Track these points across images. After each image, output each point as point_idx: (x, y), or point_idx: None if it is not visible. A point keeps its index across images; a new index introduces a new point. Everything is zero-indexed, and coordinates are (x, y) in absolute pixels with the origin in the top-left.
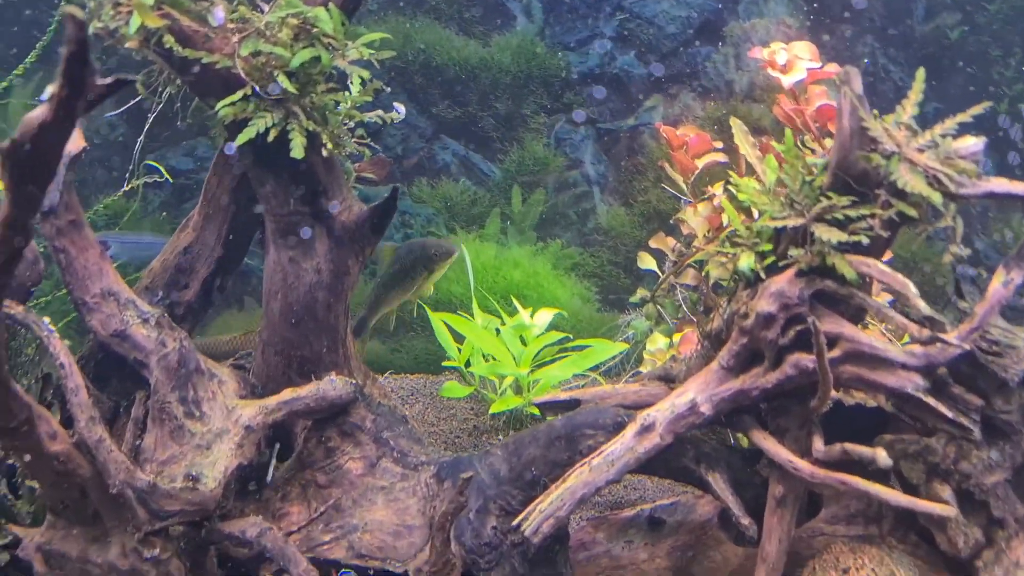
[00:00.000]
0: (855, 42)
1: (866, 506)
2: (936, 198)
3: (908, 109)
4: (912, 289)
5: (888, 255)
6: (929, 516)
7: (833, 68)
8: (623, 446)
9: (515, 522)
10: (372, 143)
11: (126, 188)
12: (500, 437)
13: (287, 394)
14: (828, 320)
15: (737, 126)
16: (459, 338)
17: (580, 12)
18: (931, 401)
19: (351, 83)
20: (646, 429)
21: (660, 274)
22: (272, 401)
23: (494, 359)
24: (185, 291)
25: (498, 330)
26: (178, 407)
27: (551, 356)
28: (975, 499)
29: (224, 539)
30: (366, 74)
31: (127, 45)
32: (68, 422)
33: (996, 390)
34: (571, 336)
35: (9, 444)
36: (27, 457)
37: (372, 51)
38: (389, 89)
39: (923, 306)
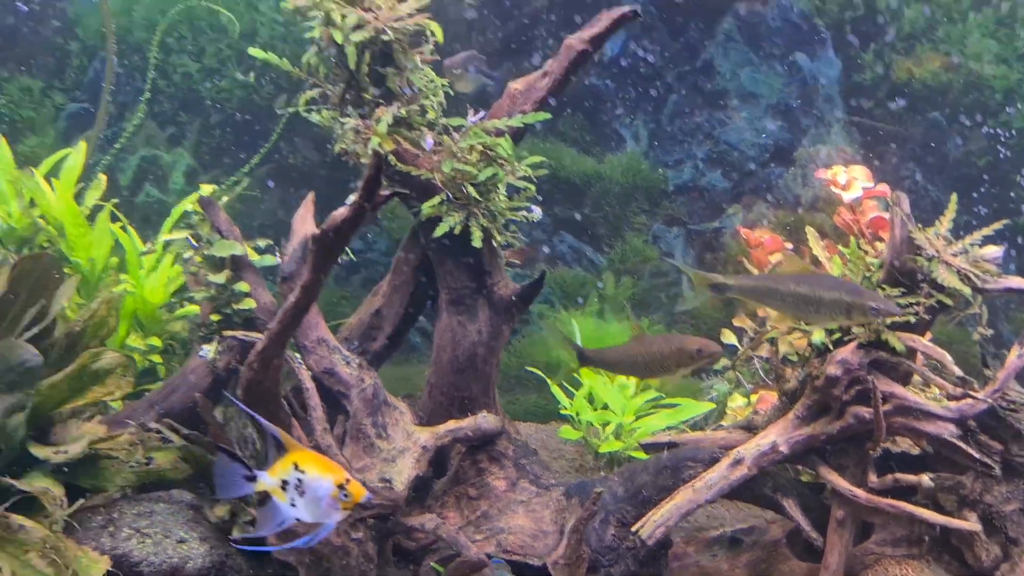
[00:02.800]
0: (900, 166)
1: (909, 531)
2: (966, 291)
3: (944, 223)
4: (948, 358)
5: (929, 335)
6: (960, 533)
7: (884, 188)
8: (719, 475)
9: (633, 529)
10: (520, 236)
11: None
12: (602, 474)
13: (452, 424)
14: (882, 381)
15: (810, 232)
16: (568, 394)
17: (677, 138)
18: (962, 445)
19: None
20: (737, 463)
21: (740, 347)
22: (441, 429)
23: (604, 408)
24: (373, 343)
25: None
26: (371, 429)
27: (647, 410)
28: (995, 524)
29: (405, 530)
30: (532, 188)
31: (361, 161)
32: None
33: (1013, 438)
34: (663, 395)
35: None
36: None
37: (531, 170)
38: (540, 198)
39: (957, 370)
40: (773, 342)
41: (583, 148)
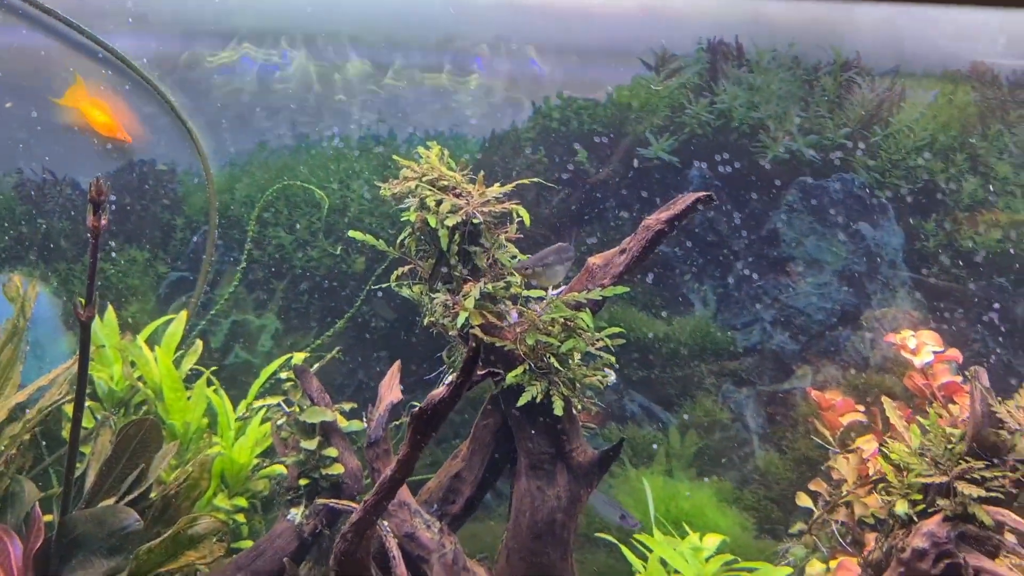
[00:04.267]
0: (968, 329)
1: None
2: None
3: None
4: None
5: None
6: None
7: (955, 352)
8: None
9: None
10: (597, 401)
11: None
12: None
13: None
14: (971, 556)
15: (887, 403)
16: (640, 555)
17: (745, 303)
18: None
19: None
20: None
21: (815, 511)
22: None
23: (675, 573)
24: (452, 506)
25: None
26: None
27: (722, 573)
28: None
29: None
30: (612, 358)
31: (449, 333)
32: None
33: None
34: (738, 559)
35: None
36: None
37: (610, 339)
38: (617, 367)
39: None
40: (849, 505)
41: (653, 312)
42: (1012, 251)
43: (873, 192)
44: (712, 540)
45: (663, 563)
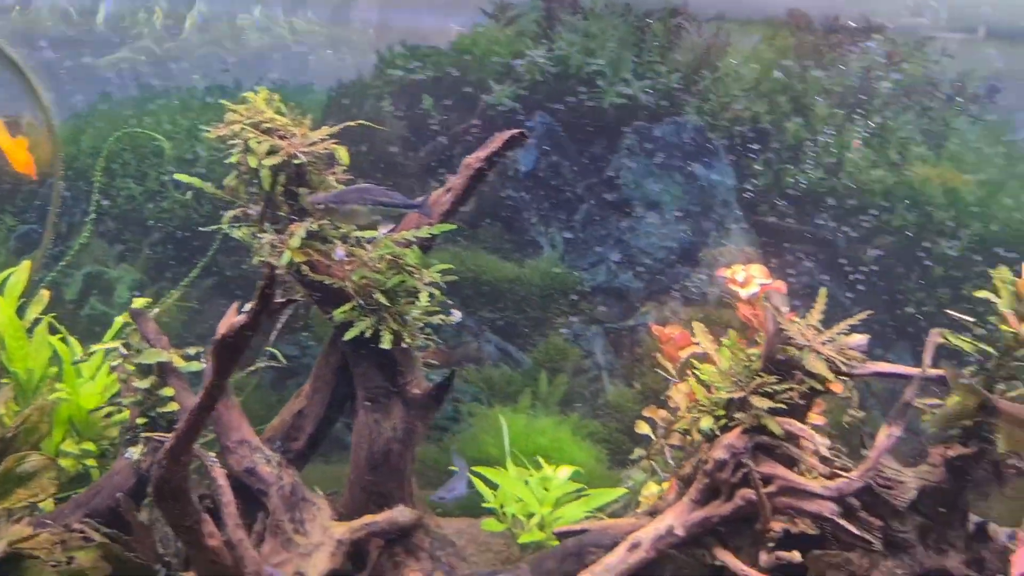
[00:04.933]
0: (796, 263)
1: None
2: (830, 376)
3: (815, 316)
4: (819, 440)
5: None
6: None
7: (780, 284)
8: (618, 559)
9: None
10: (436, 338)
11: (252, 368)
12: (523, 564)
13: (368, 519)
14: (766, 464)
15: (699, 328)
16: (494, 486)
17: (591, 244)
18: (842, 522)
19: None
20: (635, 546)
21: (654, 437)
22: (357, 523)
23: (520, 500)
24: (296, 442)
25: (527, 480)
26: (288, 524)
27: (568, 501)
28: None
29: None
30: (437, 292)
31: (277, 271)
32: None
33: (892, 515)
34: (585, 486)
35: (183, 538)
36: (192, 548)
37: (439, 275)
38: (451, 301)
39: (825, 451)
40: (685, 432)
41: (504, 255)
42: (835, 188)
43: (705, 134)
44: (564, 471)
45: (510, 494)
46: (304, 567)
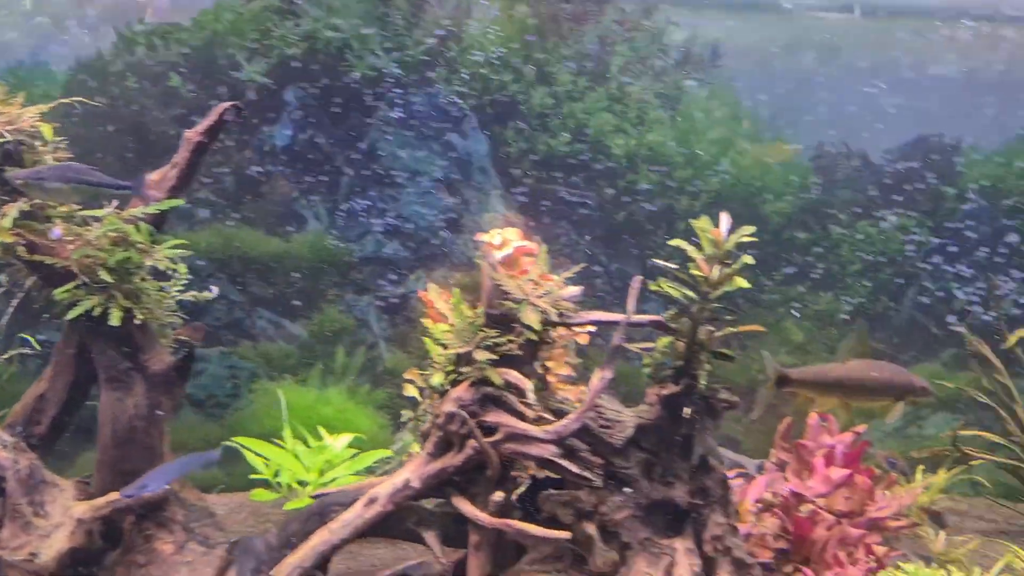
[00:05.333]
0: (553, 225)
1: (553, 550)
2: (538, 327)
3: (536, 270)
4: (529, 385)
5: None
6: (583, 542)
7: (533, 245)
8: (354, 514)
9: (271, 573)
10: (193, 315)
11: (6, 357)
12: None
13: (112, 495)
14: (493, 413)
15: (433, 290)
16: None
17: (355, 215)
18: (563, 462)
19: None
20: (372, 501)
21: (419, 399)
22: (101, 501)
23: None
24: (38, 426)
25: (296, 450)
26: (27, 508)
27: (337, 464)
28: (610, 531)
29: None
30: (181, 268)
31: None
32: None
33: (613, 453)
34: (358, 451)
35: None
36: None
37: (180, 252)
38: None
39: (533, 400)
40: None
41: (269, 230)
42: (582, 152)
43: (457, 105)
44: (343, 439)
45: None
46: (40, 547)
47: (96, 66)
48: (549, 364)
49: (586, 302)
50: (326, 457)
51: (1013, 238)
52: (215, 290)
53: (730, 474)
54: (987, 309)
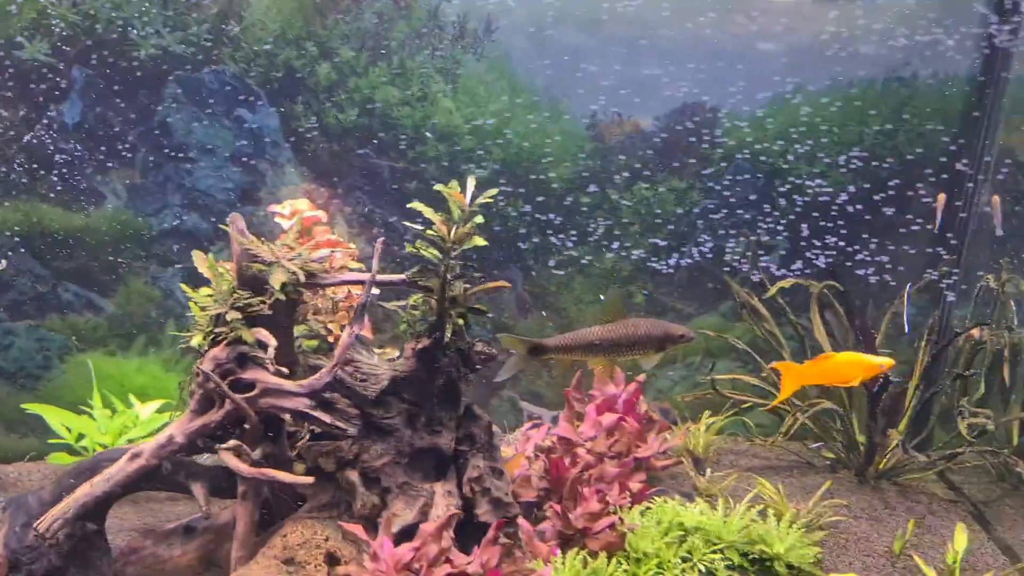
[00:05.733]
0: (348, 195)
1: (330, 498)
2: (278, 287)
3: (291, 236)
4: (273, 342)
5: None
6: (348, 488)
7: (321, 214)
8: (117, 468)
9: (34, 526)
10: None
11: None
12: None
13: None
14: (251, 371)
15: (197, 256)
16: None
17: (152, 190)
18: (315, 414)
19: None
20: (136, 456)
21: None
22: None
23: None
24: None
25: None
26: None
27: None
28: (371, 477)
29: None
30: None
31: None
32: None
33: (370, 404)
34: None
35: None
36: None
37: None
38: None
39: (271, 353)
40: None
41: (67, 207)
42: (371, 125)
43: (244, 81)
44: (152, 405)
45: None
46: None
47: None
48: (331, 325)
49: (386, 268)
50: (123, 420)
51: (774, 196)
52: (3, 263)
53: (527, 425)
54: (753, 264)
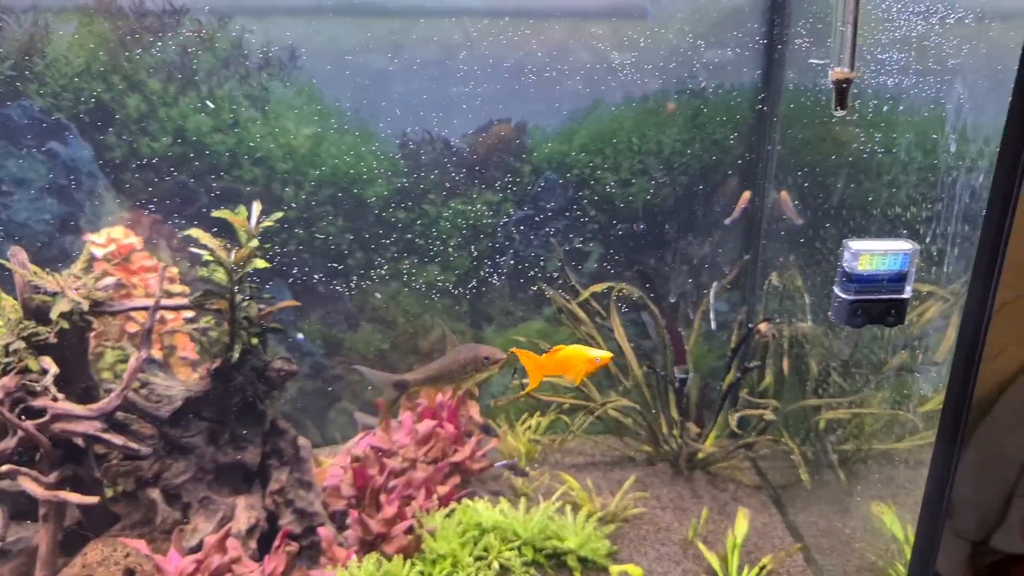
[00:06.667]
0: (167, 219)
1: (141, 516)
2: (57, 316)
3: (79, 266)
4: (53, 369)
5: None
6: (90, 504)
7: (131, 242)
8: None
9: None
10: None
11: None
12: None
13: None
14: (42, 398)
15: None
16: None
17: None
18: (106, 436)
19: None
20: None
21: None
22: None
23: None
24: None
25: None
26: None
27: None
28: (172, 494)
29: None
30: None
31: None
32: None
33: (167, 424)
34: None
35: None
36: None
37: None
38: None
39: (50, 379)
40: None
41: None
42: (186, 152)
43: (52, 115)
44: None
45: None
46: None
47: None
48: (162, 347)
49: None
50: None
51: (584, 205)
52: None
53: (360, 435)
54: (563, 271)
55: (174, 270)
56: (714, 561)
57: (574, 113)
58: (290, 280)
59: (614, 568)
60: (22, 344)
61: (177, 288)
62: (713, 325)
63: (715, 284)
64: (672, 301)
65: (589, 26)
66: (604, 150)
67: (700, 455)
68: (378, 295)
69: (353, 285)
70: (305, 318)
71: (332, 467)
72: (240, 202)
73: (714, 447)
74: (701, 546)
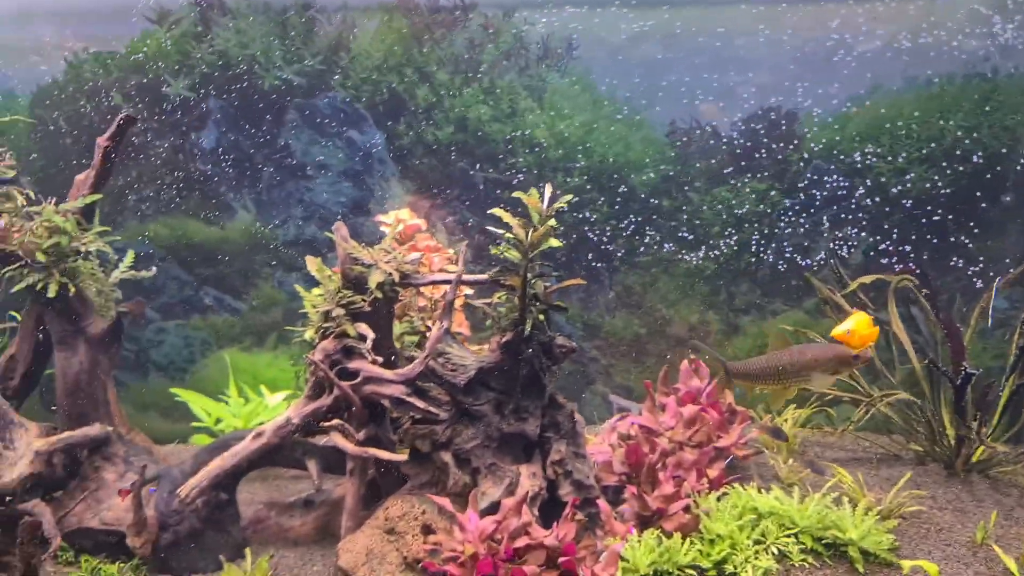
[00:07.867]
0: (446, 205)
1: (429, 477)
2: (374, 286)
3: (388, 240)
4: (371, 335)
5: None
6: (443, 468)
7: (421, 222)
8: (243, 445)
9: (177, 491)
10: (151, 294)
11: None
12: None
13: (65, 434)
14: (356, 361)
15: (310, 260)
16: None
17: (276, 204)
18: (410, 400)
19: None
20: (259, 435)
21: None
22: (55, 438)
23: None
24: (11, 381)
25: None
26: None
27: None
28: (463, 458)
29: (20, 513)
30: (104, 247)
31: None
32: None
33: (460, 392)
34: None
35: None
36: None
37: (108, 239)
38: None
39: (368, 344)
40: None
41: (207, 221)
42: (466, 140)
43: (353, 105)
44: (280, 395)
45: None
46: (5, 472)
47: (51, 90)
48: (430, 323)
49: (485, 269)
50: (253, 407)
51: (856, 194)
52: (153, 269)
53: (616, 416)
54: (835, 261)
55: (461, 248)
56: (1011, 564)
57: (851, 99)
58: (553, 264)
59: (905, 563)
60: (341, 311)
61: (452, 267)
62: (990, 323)
63: (998, 279)
64: (947, 296)
65: (869, 7)
66: (880, 137)
67: (975, 457)
68: (637, 281)
69: (614, 270)
70: (566, 300)
71: (596, 444)
72: (514, 188)
73: (1006, 448)
74: (996, 548)
